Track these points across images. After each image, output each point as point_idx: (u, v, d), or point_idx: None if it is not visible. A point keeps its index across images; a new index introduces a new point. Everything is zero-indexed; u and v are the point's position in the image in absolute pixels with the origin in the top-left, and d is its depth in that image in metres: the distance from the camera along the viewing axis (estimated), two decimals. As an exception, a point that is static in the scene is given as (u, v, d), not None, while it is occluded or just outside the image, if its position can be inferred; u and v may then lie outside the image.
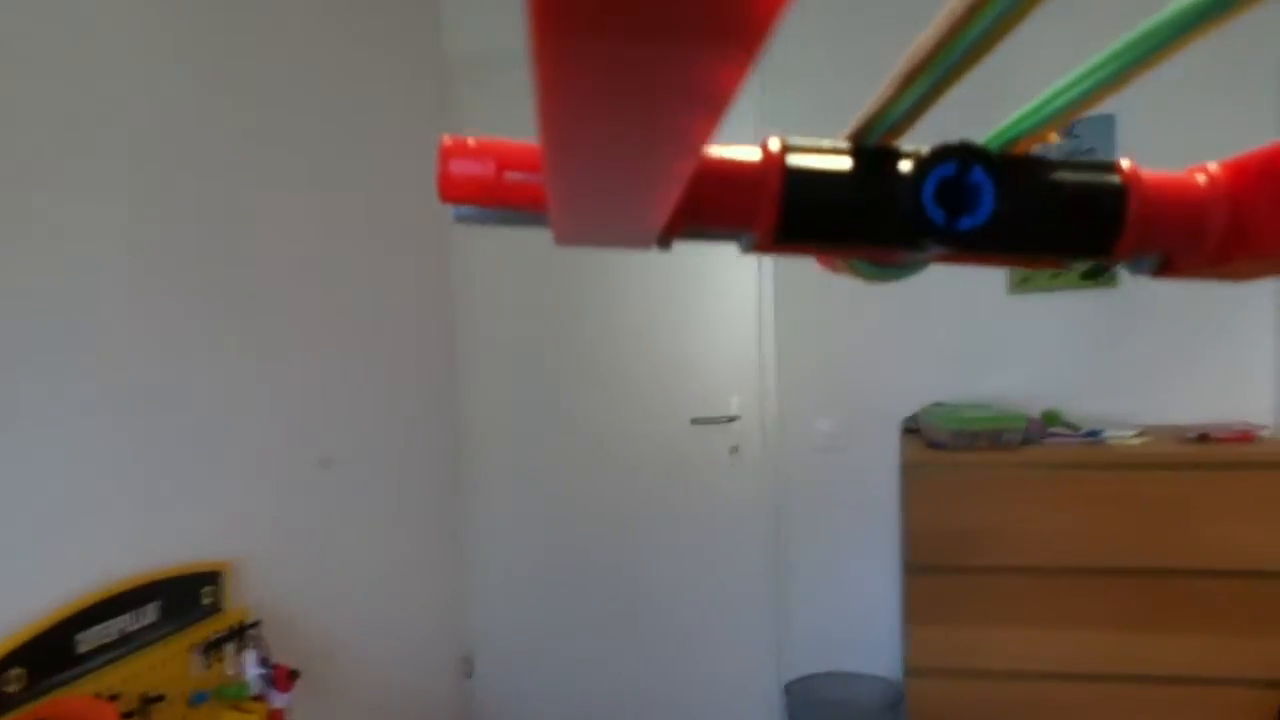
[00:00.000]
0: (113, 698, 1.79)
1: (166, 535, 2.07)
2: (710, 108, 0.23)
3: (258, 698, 2.05)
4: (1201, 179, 0.43)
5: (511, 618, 3.52)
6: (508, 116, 3.18)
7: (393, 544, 3.03)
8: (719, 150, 0.42)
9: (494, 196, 0.43)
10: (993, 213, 0.40)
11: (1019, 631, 2.56)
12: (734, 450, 3.27)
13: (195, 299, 2.16)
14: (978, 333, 3.05)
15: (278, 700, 2.06)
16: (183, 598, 2.05)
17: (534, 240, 3.34)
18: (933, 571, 2.60)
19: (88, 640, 1.80)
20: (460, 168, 0.43)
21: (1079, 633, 2.53)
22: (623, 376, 3.35)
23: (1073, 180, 0.42)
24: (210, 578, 2.14)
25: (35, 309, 1.77)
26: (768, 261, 3.21)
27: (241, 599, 2.25)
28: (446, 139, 0.43)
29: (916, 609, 2.62)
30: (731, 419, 3.27)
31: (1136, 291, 2.93)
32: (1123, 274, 2.94)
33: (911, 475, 2.62)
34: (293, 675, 2.10)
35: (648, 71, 0.20)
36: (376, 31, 3.01)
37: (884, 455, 3.10)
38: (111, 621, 1.86)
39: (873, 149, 0.42)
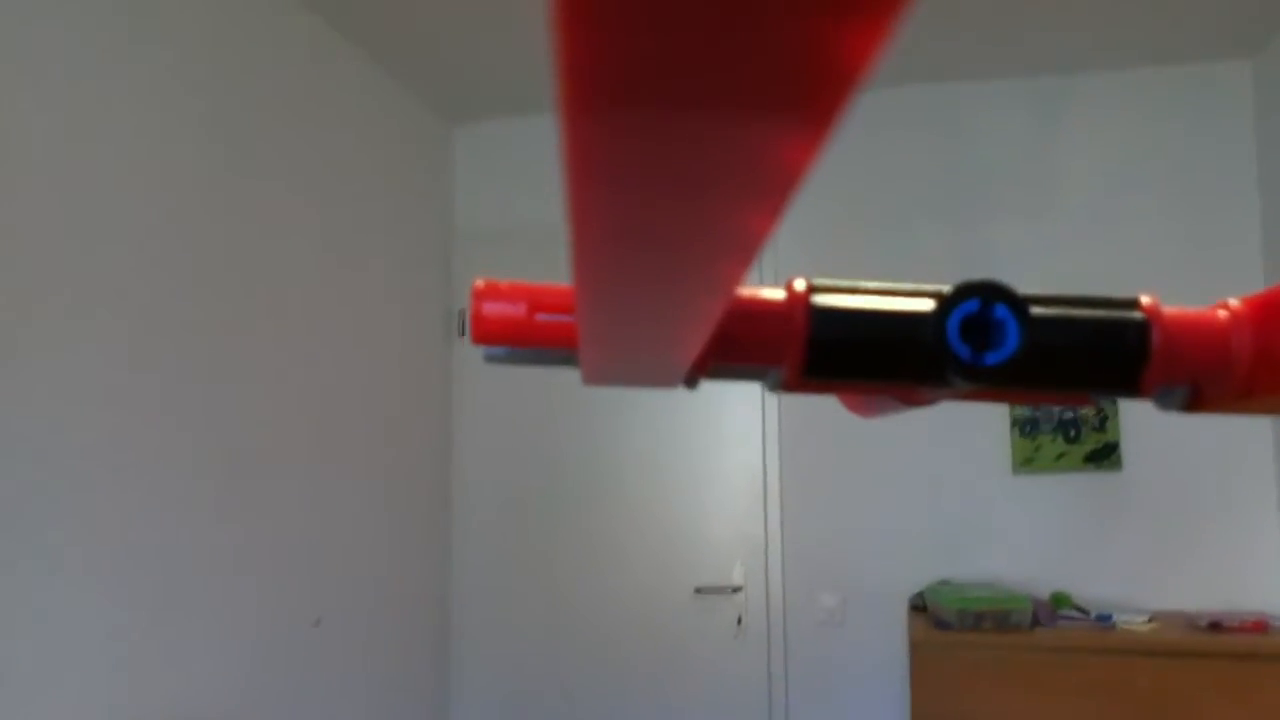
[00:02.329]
0: None
1: (156, 695, 2.02)
2: (743, 250, 0.24)
3: None
4: (1224, 314, 0.44)
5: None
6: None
7: (379, 707, 2.94)
8: (746, 290, 0.44)
9: (525, 337, 0.44)
10: (1017, 348, 0.41)
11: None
12: (739, 622, 3.21)
13: (184, 457, 2.18)
14: (983, 510, 3.05)
15: None
16: (170, 762, 1.98)
17: (534, 398, 3.38)
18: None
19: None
20: (493, 310, 0.44)
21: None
22: (622, 542, 3.33)
23: (1095, 316, 0.43)
24: (199, 741, 2.08)
25: (19, 464, 1.79)
26: (772, 429, 3.24)
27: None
28: (479, 282, 0.44)
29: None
30: (736, 589, 3.23)
31: (1140, 473, 2.95)
32: (1126, 456, 2.96)
33: (919, 655, 2.57)
34: None
35: (682, 218, 0.21)
36: (391, 200, 3.14)
37: (888, 632, 3.05)
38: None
39: (896, 288, 0.43)
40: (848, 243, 3.26)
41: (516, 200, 3.49)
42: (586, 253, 0.24)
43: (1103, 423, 2.99)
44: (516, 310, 0.44)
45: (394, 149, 3.16)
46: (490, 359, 0.46)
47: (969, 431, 3.07)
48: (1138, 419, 2.96)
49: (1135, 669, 2.45)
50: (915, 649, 2.58)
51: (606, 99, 0.16)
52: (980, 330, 0.41)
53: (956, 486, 3.07)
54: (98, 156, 1.94)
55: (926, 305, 0.42)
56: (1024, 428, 3.03)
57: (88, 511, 1.89)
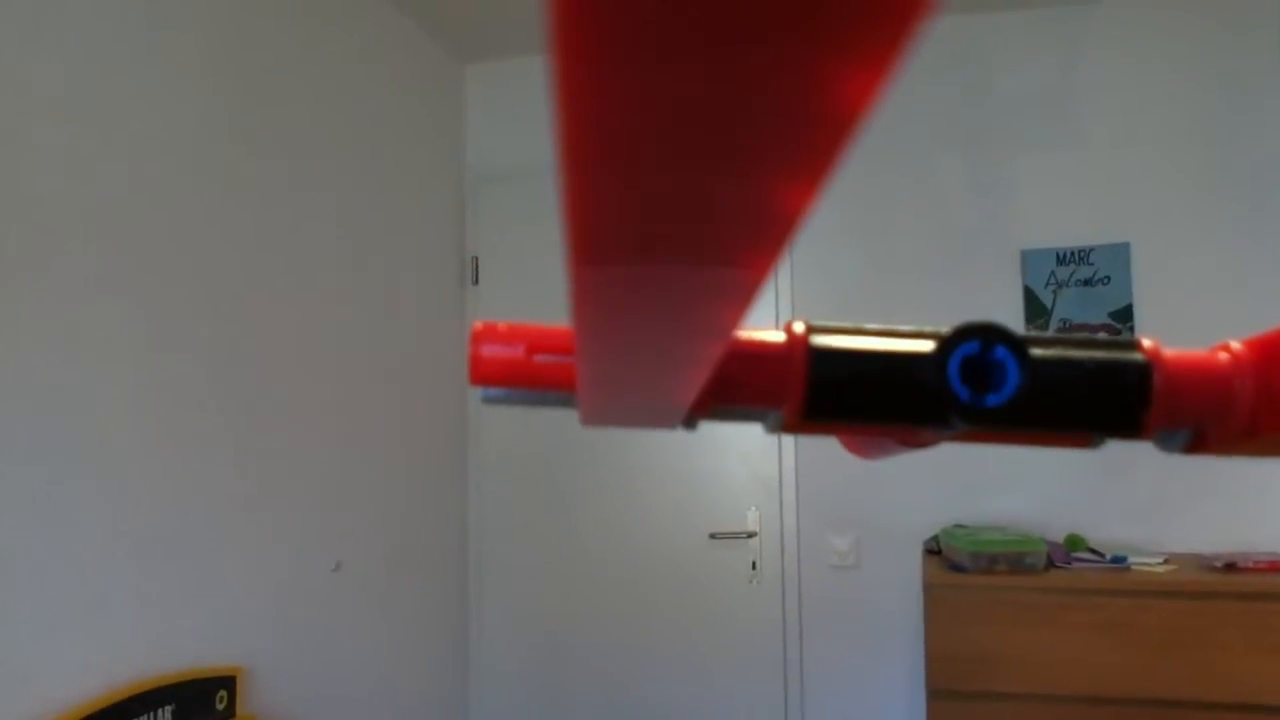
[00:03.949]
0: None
1: (179, 639, 2.05)
2: (741, 294, 0.24)
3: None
4: (1224, 356, 0.44)
5: (521, 733, 3.43)
6: (523, 227, 3.29)
7: (401, 651, 2.99)
8: (744, 333, 0.43)
9: (523, 378, 0.44)
10: (1018, 389, 0.40)
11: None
12: (754, 567, 3.24)
13: (211, 405, 2.19)
14: (998, 454, 3.04)
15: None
16: (197, 702, 2.02)
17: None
18: (955, 697, 2.54)
19: (99, 744, 1.78)
20: (491, 351, 0.44)
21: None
22: (638, 488, 3.35)
23: (1096, 358, 0.43)
24: (223, 682, 2.11)
25: (48, 409, 1.80)
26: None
27: (254, 704, 2.21)
28: (478, 324, 0.44)
29: (940, 736, 2.56)
30: (750, 534, 3.24)
31: (1158, 417, 2.93)
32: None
33: (933, 597, 2.59)
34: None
35: (681, 264, 0.22)
36: (402, 143, 3.11)
37: (903, 576, 3.07)
38: (125, 723, 1.84)
39: (895, 330, 0.43)
40: (865, 181, 3.22)
41: (530, 140, 3.46)
42: (586, 297, 0.24)
43: (1120, 365, 2.97)
44: (515, 352, 0.44)
45: (405, 88, 3.13)
46: (488, 400, 0.45)
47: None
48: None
49: (1151, 609, 2.46)
50: (929, 591, 2.60)
51: (606, 153, 0.16)
52: (980, 372, 0.41)
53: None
54: (112, 105, 1.93)
55: (926, 346, 0.41)
56: (1040, 370, 3.02)
57: (110, 458, 1.90)
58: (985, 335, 0.41)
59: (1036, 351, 0.42)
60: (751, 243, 0.20)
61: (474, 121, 3.56)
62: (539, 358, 0.44)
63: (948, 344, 0.41)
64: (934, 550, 2.94)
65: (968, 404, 0.40)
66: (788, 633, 3.20)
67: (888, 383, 0.42)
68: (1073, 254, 3.05)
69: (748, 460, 3.25)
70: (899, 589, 3.08)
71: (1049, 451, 3.00)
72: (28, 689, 1.70)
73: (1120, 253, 3.02)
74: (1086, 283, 3.04)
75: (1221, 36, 3.00)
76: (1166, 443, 0.46)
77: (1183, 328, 2.86)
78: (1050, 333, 0.45)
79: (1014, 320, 3.08)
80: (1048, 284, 3.07)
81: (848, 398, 0.42)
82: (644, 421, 0.47)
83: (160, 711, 1.93)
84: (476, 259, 3.47)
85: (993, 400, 0.40)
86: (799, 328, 0.43)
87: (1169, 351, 0.44)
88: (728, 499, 3.27)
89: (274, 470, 2.38)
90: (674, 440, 3.30)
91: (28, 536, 1.72)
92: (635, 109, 0.15)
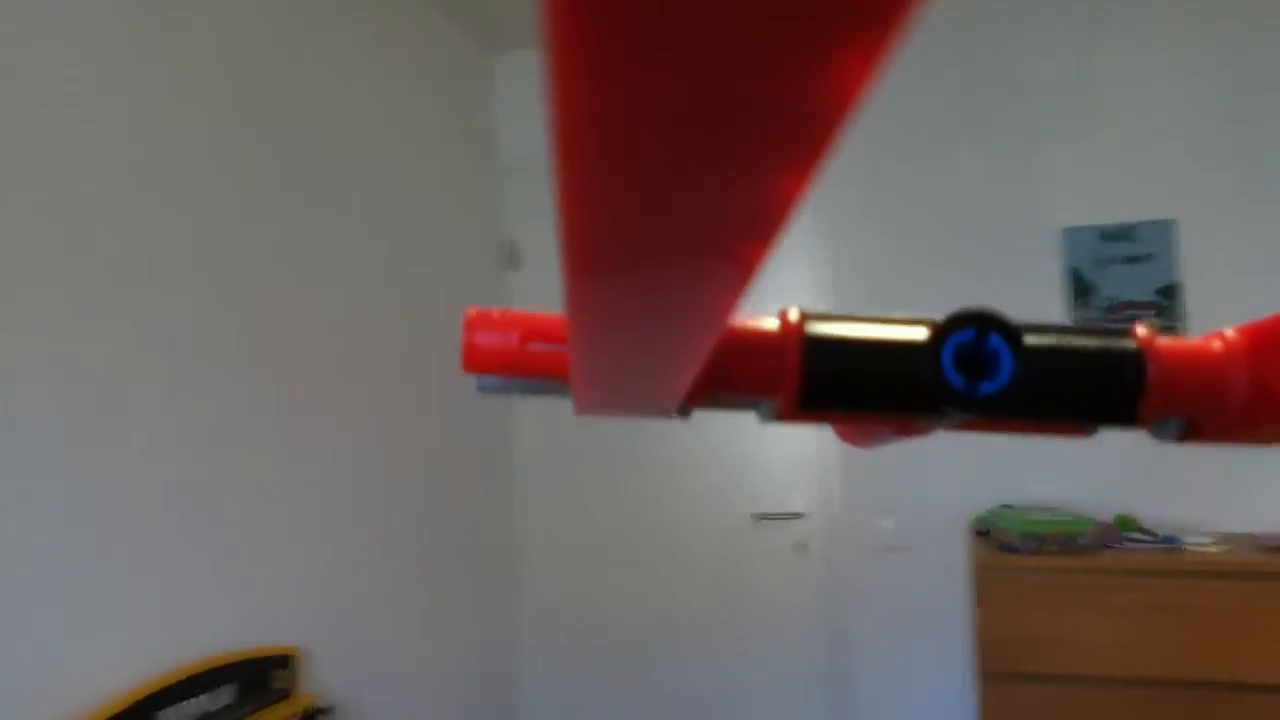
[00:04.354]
0: (188, 779, 1.79)
1: (239, 621, 2.09)
2: (735, 283, 0.24)
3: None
4: (1218, 345, 0.44)
5: (567, 710, 3.46)
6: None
7: (447, 633, 3.02)
8: (739, 321, 0.43)
9: (517, 366, 0.44)
10: (1011, 377, 0.40)
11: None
12: (799, 548, 3.24)
13: (262, 395, 2.22)
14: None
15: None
16: (256, 681, 2.06)
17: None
18: (1006, 680, 2.54)
19: (168, 718, 1.81)
20: (485, 339, 0.44)
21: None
22: (685, 469, 3.36)
23: (1090, 346, 0.43)
24: (281, 662, 2.15)
25: (108, 389, 1.83)
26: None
27: (310, 683, 2.25)
28: (471, 311, 0.45)
29: (990, 717, 2.55)
30: (796, 515, 3.25)
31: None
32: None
33: (983, 578, 2.58)
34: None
35: (674, 254, 0.22)
36: (435, 133, 3.13)
37: (950, 557, 3.06)
38: (190, 701, 1.87)
39: (890, 318, 0.43)
40: (897, 169, 3.20)
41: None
42: (578, 284, 0.24)
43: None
44: (508, 340, 0.44)
45: (437, 80, 3.14)
46: (483, 388, 0.46)
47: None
48: (1206, 330, 2.90)
49: (1202, 591, 2.44)
50: (978, 572, 2.59)
51: (599, 145, 0.16)
52: (975, 360, 0.41)
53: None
54: (148, 103, 1.95)
55: (920, 335, 0.41)
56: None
57: (172, 447, 1.94)
58: (979, 323, 0.41)
59: (1031, 340, 0.41)
60: (745, 233, 0.20)
61: (505, 110, 3.57)
62: (533, 345, 0.44)
63: (942, 332, 0.41)
64: (983, 532, 2.93)
65: (962, 392, 0.40)
66: (833, 614, 3.20)
67: (882, 371, 0.42)
68: (1116, 231, 3.02)
69: (792, 441, 3.25)
70: (945, 571, 3.07)
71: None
72: (101, 667, 1.74)
73: (1165, 229, 2.99)
74: (1131, 260, 3.01)
75: (1257, 6, 2.95)
76: (1161, 432, 0.46)
77: (1230, 304, 2.82)
78: (1052, 321, 0.44)
79: (1057, 301, 3.05)
80: (1093, 262, 3.04)
81: (842, 387, 0.42)
82: (638, 410, 0.47)
83: (222, 689, 1.96)
84: (514, 243, 3.48)
85: (987, 388, 0.40)
86: (794, 316, 0.43)
87: (1163, 340, 0.44)
88: (772, 480, 3.28)
89: (325, 459, 2.41)
90: (717, 422, 3.30)
91: (99, 526, 1.76)
92: (627, 101, 0.15)
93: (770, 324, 0.43)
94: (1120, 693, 2.46)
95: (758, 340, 0.43)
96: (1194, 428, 0.45)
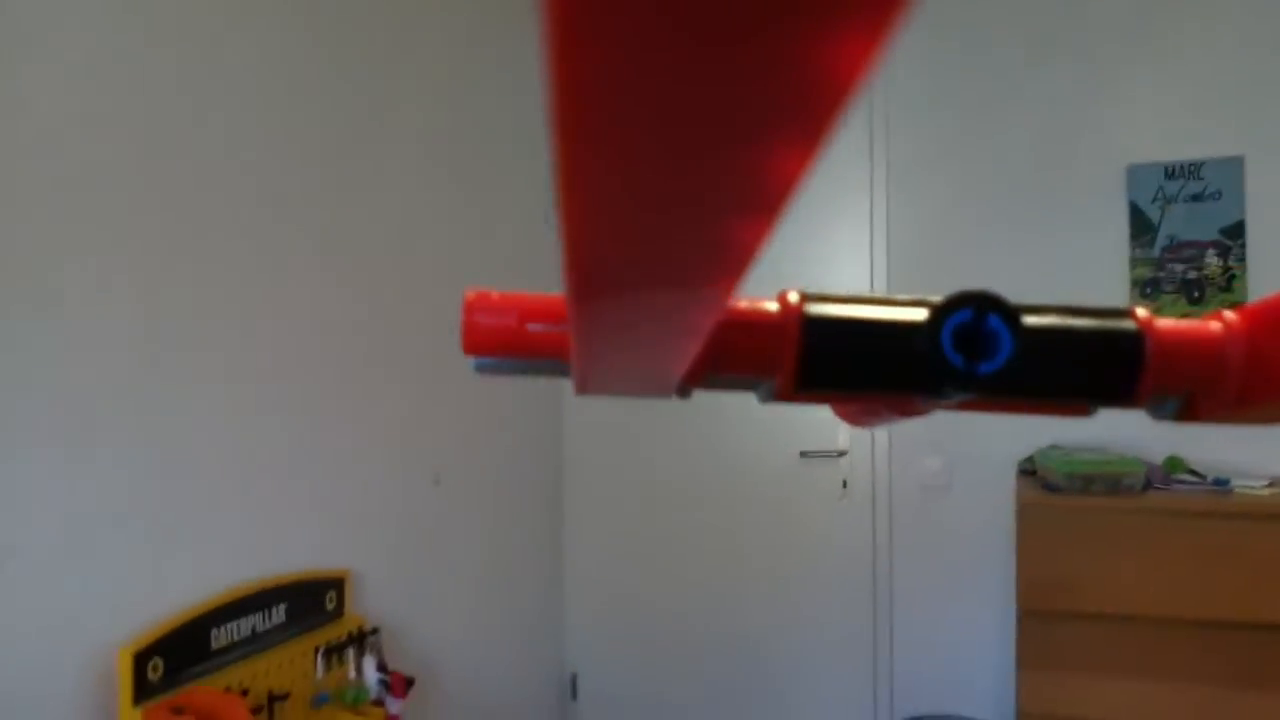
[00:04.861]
0: (243, 693, 1.88)
1: (292, 544, 2.16)
2: (735, 263, 0.24)
3: (375, 702, 2.12)
4: (1217, 325, 0.44)
5: (612, 644, 3.54)
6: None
7: (498, 562, 3.10)
8: (739, 301, 0.43)
9: (516, 347, 0.45)
10: (1011, 356, 0.40)
11: (1132, 682, 2.48)
12: (845, 485, 3.25)
13: (318, 328, 2.27)
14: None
15: (394, 706, 2.12)
16: (307, 602, 2.14)
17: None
18: (1046, 617, 2.54)
19: (221, 637, 1.90)
20: (485, 320, 0.45)
21: (1193, 687, 2.44)
22: (731, 404, 3.37)
23: (1088, 326, 0.43)
24: (332, 584, 2.23)
25: (172, 312, 1.89)
26: (880, 281, 3.20)
27: (360, 607, 2.33)
28: (470, 293, 0.45)
29: (1028, 654, 2.56)
30: (841, 453, 3.25)
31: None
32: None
33: (1026, 518, 2.57)
34: (409, 683, 2.16)
35: (673, 232, 0.22)
36: (485, 91, 3.12)
37: (994, 497, 3.05)
38: (243, 620, 1.96)
39: (889, 299, 0.43)
40: (959, 103, 3.13)
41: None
42: (578, 264, 0.24)
43: (1229, 282, 2.87)
44: (507, 320, 0.45)
45: (483, 34, 3.13)
46: (481, 369, 0.46)
47: (1082, 290, 2.98)
48: (1267, 279, 2.83)
49: (1252, 533, 2.40)
50: (1023, 511, 2.58)
51: (599, 117, 0.16)
52: (974, 340, 0.41)
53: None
54: (212, 39, 1.98)
55: (919, 315, 0.41)
56: (1144, 288, 2.93)
57: (226, 367, 2.00)
58: (978, 303, 0.41)
59: (1029, 320, 0.42)
60: (745, 211, 0.20)
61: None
62: (532, 326, 0.44)
63: (940, 312, 0.41)
64: (1029, 472, 2.91)
65: (961, 372, 0.41)
66: (877, 552, 3.21)
67: (881, 352, 0.42)
68: (1182, 168, 2.93)
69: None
70: (990, 510, 3.06)
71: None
72: (160, 588, 1.83)
73: (1233, 167, 2.89)
74: (1196, 198, 2.92)
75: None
76: (1156, 411, 0.46)
77: (1298, 244, 2.74)
78: (1048, 303, 0.45)
79: (1118, 240, 2.98)
80: (1155, 200, 2.96)
81: (841, 367, 0.43)
82: (637, 390, 0.47)
83: (276, 609, 2.05)
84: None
85: (986, 368, 0.40)
86: (793, 297, 0.43)
87: (1162, 321, 0.44)
88: (818, 417, 3.28)
89: (378, 389, 2.47)
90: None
91: (164, 450, 1.84)
92: (626, 71, 0.14)
93: (769, 305, 0.44)
94: (1163, 634, 2.45)
95: (757, 321, 0.43)
96: (1190, 407, 0.46)
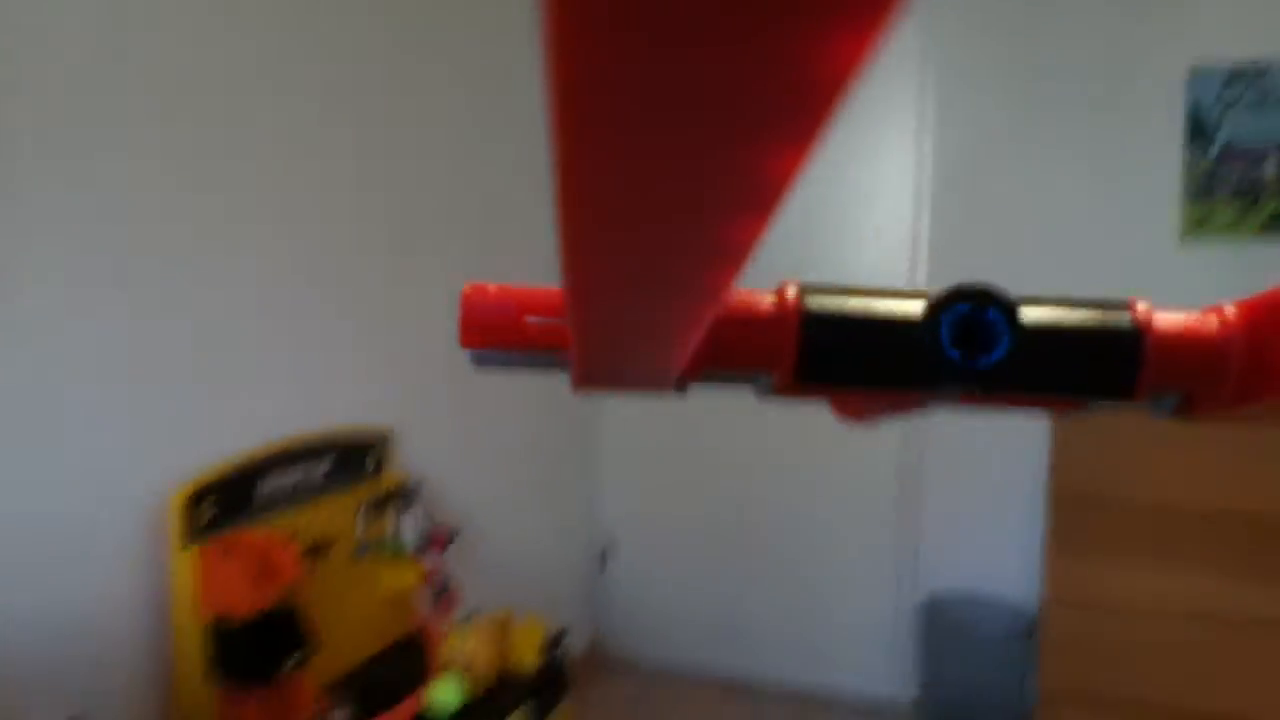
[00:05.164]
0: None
1: (339, 399, 2.20)
2: (732, 258, 0.23)
3: (414, 555, 2.17)
4: (1215, 321, 0.44)
5: (644, 517, 3.59)
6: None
7: (534, 428, 3.16)
8: (737, 295, 0.43)
9: (513, 340, 0.44)
10: (1009, 350, 0.40)
11: (1161, 569, 2.48)
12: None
13: (361, 200, 2.29)
14: (1144, 284, 2.90)
15: (432, 559, 2.18)
16: (352, 457, 2.18)
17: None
18: (1077, 503, 2.55)
19: (269, 485, 1.94)
20: (482, 314, 0.44)
21: (1222, 577, 2.44)
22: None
23: (1088, 321, 0.43)
24: (377, 440, 2.26)
25: (228, 186, 1.91)
26: (925, 191, 3.14)
27: (403, 463, 2.37)
28: (468, 287, 0.44)
29: (1058, 539, 2.57)
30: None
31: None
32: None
33: (1060, 430, 2.56)
34: (450, 537, 2.22)
35: (670, 228, 0.22)
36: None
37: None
38: (290, 470, 2.00)
39: (888, 291, 0.43)
40: (1012, 6, 3.02)
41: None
42: (575, 258, 0.24)
43: (1289, 186, 2.79)
44: (505, 314, 0.44)
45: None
46: (478, 362, 0.46)
47: (1130, 194, 2.91)
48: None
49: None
50: (1058, 422, 2.57)
51: (597, 115, 0.16)
52: (972, 334, 0.41)
53: (1115, 257, 2.94)
54: None
55: (918, 309, 0.41)
56: (1197, 190, 2.85)
57: (283, 230, 2.02)
58: (976, 298, 0.41)
59: (1029, 314, 0.41)
60: (741, 208, 0.20)
61: None
62: (530, 319, 0.44)
63: (939, 306, 0.41)
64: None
65: (959, 365, 0.41)
66: (907, 465, 3.21)
67: (880, 346, 0.42)
68: (1247, 70, 2.81)
69: (875, 262, 3.21)
70: (1024, 423, 3.02)
71: (1203, 281, 2.81)
72: (213, 436, 1.88)
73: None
74: (1260, 103, 2.82)
75: None
76: (1156, 407, 0.46)
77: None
78: (1046, 295, 0.44)
79: (1171, 148, 2.88)
80: (1215, 103, 2.85)
81: (840, 361, 0.43)
82: (635, 385, 0.47)
83: (321, 460, 2.08)
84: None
85: (984, 362, 0.40)
86: (791, 292, 0.43)
87: (1160, 316, 0.43)
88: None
89: (420, 255, 2.48)
90: (807, 241, 3.28)
91: (221, 308, 1.89)
92: (623, 67, 0.14)
93: (768, 298, 0.43)
94: (1193, 525, 2.44)
95: (755, 314, 0.43)
96: (1189, 402, 0.45)
